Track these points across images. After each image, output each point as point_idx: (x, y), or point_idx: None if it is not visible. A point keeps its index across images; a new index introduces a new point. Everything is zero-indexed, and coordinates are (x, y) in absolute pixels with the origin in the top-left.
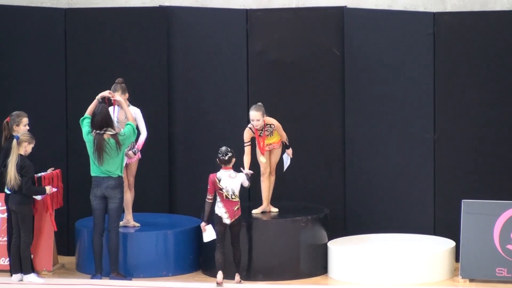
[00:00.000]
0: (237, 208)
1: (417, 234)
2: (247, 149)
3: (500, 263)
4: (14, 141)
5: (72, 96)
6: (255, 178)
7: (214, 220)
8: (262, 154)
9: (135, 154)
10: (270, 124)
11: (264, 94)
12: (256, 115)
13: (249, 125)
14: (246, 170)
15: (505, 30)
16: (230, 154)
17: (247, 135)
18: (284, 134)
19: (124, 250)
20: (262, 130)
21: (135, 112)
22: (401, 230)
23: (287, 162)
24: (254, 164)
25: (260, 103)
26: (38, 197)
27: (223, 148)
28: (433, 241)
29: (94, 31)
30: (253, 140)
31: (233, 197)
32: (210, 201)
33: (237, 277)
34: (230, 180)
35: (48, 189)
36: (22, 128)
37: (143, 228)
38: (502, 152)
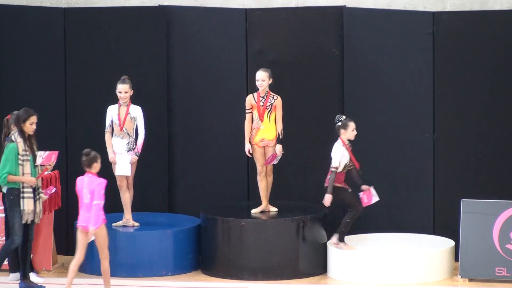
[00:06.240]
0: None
1: (417, 234)
2: (248, 116)
3: (500, 262)
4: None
5: (71, 95)
6: (253, 178)
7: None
8: (261, 120)
9: (138, 156)
10: (273, 96)
11: None
12: (262, 75)
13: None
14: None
15: (505, 29)
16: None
17: (248, 101)
18: (280, 117)
19: (123, 249)
20: (264, 97)
21: (137, 112)
22: (401, 229)
23: (273, 158)
24: (252, 164)
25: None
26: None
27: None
28: (432, 241)
29: (93, 30)
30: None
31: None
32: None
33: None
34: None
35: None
36: None
37: (142, 227)
38: (502, 152)
